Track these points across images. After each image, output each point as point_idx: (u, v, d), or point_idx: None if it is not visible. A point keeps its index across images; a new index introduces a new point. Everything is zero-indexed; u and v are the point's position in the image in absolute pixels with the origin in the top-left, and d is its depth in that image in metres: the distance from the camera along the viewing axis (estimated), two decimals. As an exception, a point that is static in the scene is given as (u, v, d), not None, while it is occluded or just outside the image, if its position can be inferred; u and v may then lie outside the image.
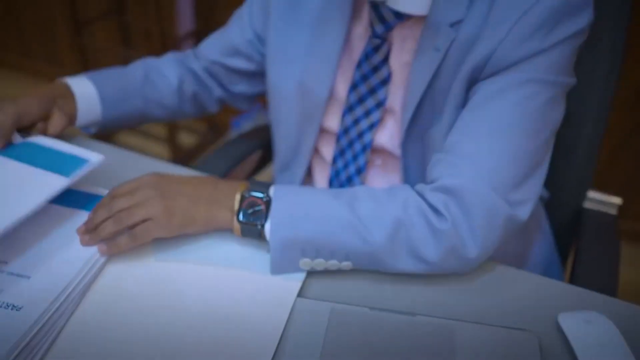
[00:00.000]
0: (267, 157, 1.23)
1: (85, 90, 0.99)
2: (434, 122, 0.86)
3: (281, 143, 1.04)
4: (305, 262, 0.76)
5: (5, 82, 2.95)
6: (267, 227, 0.76)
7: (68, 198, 0.84)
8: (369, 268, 0.77)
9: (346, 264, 0.76)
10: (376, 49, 0.87)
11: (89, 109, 1.00)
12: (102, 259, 0.77)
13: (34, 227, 0.78)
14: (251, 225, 0.76)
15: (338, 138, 0.96)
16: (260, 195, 0.77)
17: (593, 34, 1.05)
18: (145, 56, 2.54)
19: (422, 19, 0.83)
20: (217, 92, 1.11)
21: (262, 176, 1.25)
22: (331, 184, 1.00)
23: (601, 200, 1.14)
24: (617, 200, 1.14)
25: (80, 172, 0.82)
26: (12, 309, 0.68)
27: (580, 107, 1.09)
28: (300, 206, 0.76)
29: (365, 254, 0.75)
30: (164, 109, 1.09)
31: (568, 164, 1.13)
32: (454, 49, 0.81)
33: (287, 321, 0.72)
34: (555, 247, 1.11)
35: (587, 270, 0.96)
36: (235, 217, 0.77)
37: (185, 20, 2.36)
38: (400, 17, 0.83)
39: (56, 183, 0.79)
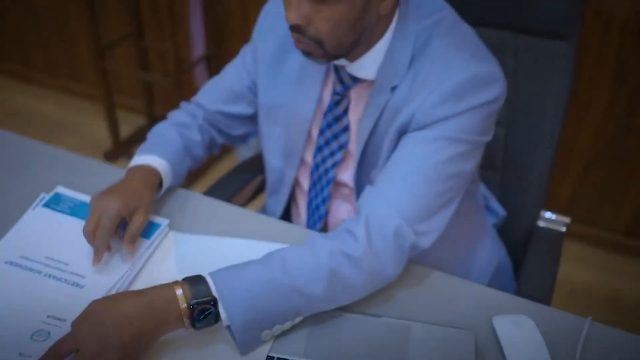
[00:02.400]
0: (265, 182, 1.40)
1: (167, 176, 1.09)
2: (375, 164, 1.02)
3: (269, 174, 1.20)
4: (266, 334, 0.85)
5: (33, 97, 3.12)
6: (223, 317, 0.82)
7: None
8: (316, 312, 0.89)
9: (298, 319, 0.88)
10: (337, 103, 1.04)
11: (166, 185, 1.10)
12: (137, 269, 0.96)
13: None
14: (207, 326, 0.83)
15: (312, 172, 1.12)
16: (205, 298, 0.81)
17: (540, 67, 1.21)
18: (161, 77, 2.69)
19: (372, 82, 1.00)
20: (219, 139, 1.23)
21: (260, 199, 1.44)
22: (308, 208, 1.16)
23: (552, 219, 1.30)
24: (566, 219, 1.30)
25: (157, 234, 1.02)
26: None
27: (532, 139, 1.25)
28: (245, 291, 0.83)
29: (311, 306, 0.87)
30: (197, 161, 1.19)
31: (523, 188, 1.29)
32: (389, 108, 0.97)
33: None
34: (509, 259, 1.28)
35: (527, 280, 1.13)
36: (188, 324, 0.81)
37: (198, 45, 2.51)
38: (356, 79, 1.00)
39: (142, 245, 1.00)
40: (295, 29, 0.90)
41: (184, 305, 0.81)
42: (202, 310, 0.82)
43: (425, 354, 0.87)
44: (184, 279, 0.84)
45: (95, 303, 0.80)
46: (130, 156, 2.66)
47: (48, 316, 0.87)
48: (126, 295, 0.82)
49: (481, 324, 0.92)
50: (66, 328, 0.82)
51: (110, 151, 2.70)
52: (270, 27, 1.10)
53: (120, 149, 2.72)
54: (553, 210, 1.31)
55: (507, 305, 0.96)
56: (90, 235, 0.94)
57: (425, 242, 0.94)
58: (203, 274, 0.85)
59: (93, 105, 3.02)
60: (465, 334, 0.90)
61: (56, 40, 2.97)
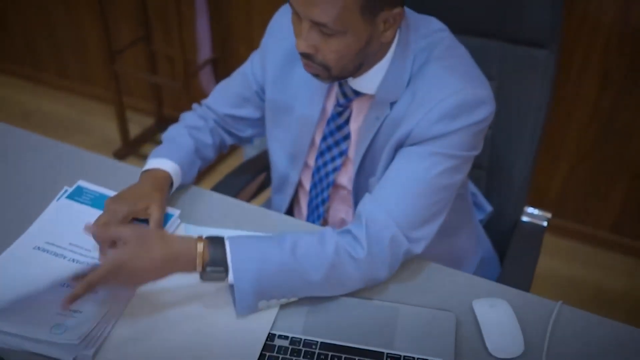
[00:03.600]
0: (268, 179, 1.47)
1: (177, 177, 1.17)
2: (373, 172, 1.11)
3: (275, 174, 1.29)
4: (263, 304, 0.96)
5: (45, 99, 3.20)
6: (230, 281, 0.94)
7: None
8: (311, 296, 1.00)
9: (293, 298, 0.99)
10: (339, 114, 1.12)
11: (176, 185, 1.18)
12: None
13: None
14: (214, 281, 0.96)
15: (313, 174, 1.21)
16: (219, 268, 0.94)
17: (524, 73, 1.29)
18: (169, 80, 2.72)
19: (373, 96, 1.08)
20: (229, 140, 1.31)
21: (263, 194, 1.53)
22: (309, 207, 1.25)
23: (535, 214, 1.40)
24: (547, 214, 1.40)
25: (170, 222, 1.12)
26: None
27: (516, 140, 1.35)
28: (255, 266, 0.94)
29: (307, 290, 0.98)
30: (206, 162, 1.28)
31: (508, 186, 1.39)
32: (387, 122, 1.06)
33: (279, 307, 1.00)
34: (494, 251, 1.38)
35: (509, 269, 1.23)
36: (199, 274, 0.95)
37: (204, 48, 2.58)
38: (357, 93, 1.09)
39: None
40: (304, 55, 0.98)
41: (199, 260, 0.94)
42: (214, 272, 0.95)
43: (411, 332, 0.97)
44: (206, 237, 0.96)
45: (131, 244, 0.92)
46: (139, 155, 2.76)
47: None
48: (156, 241, 0.93)
49: (462, 307, 1.02)
50: (89, 306, 0.94)
51: (120, 150, 2.79)
52: (279, 38, 1.16)
53: (130, 148, 2.82)
54: (541, 207, 1.40)
55: (487, 291, 1.06)
56: (96, 233, 1.03)
57: (418, 248, 1.03)
58: (224, 238, 0.96)
59: (103, 106, 3.10)
60: (447, 315, 1.00)
61: (68, 44, 3.05)
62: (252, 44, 2.31)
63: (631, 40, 1.94)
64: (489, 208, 1.39)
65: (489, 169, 1.41)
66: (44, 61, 3.21)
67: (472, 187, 1.39)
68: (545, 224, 1.40)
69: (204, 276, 0.95)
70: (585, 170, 2.24)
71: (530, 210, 1.41)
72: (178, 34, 2.37)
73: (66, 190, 1.18)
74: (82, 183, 1.20)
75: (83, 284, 0.88)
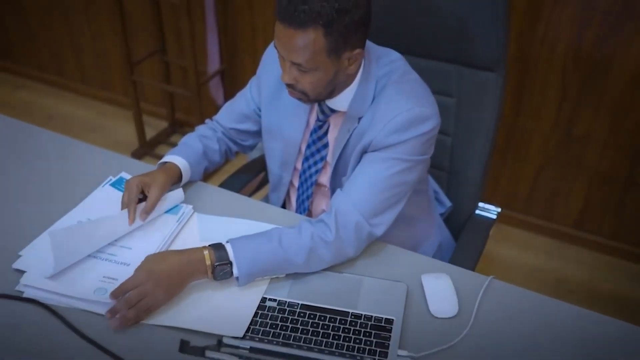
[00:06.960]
0: (266, 177, 1.69)
1: (186, 174, 1.41)
2: (344, 172, 1.35)
3: (271, 177, 1.54)
4: (258, 279, 1.20)
5: (69, 103, 3.40)
6: (235, 272, 1.17)
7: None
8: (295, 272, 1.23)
9: (282, 275, 1.22)
10: (320, 127, 1.37)
11: (185, 177, 1.41)
12: (171, 239, 1.31)
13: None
14: (224, 279, 1.18)
15: (300, 175, 1.46)
16: (224, 262, 1.15)
17: (477, 91, 1.50)
18: (182, 88, 2.92)
19: (345, 112, 1.32)
20: (234, 148, 1.55)
21: (262, 192, 1.76)
22: (297, 201, 1.50)
23: (486, 208, 1.65)
24: (497, 208, 1.64)
25: (181, 211, 1.36)
26: (124, 265, 1.26)
27: (471, 147, 1.58)
28: (251, 258, 1.16)
29: (293, 269, 1.21)
30: (213, 165, 1.52)
31: (464, 186, 1.63)
32: (355, 132, 1.30)
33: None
34: (452, 239, 1.62)
35: (459, 252, 1.48)
36: (211, 277, 1.16)
37: (213, 60, 2.77)
38: (333, 110, 1.33)
39: (170, 220, 1.36)
40: (288, 85, 1.24)
41: (208, 263, 1.16)
42: (222, 268, 1.17)
43: (371, 297, 1.21)
44: (209, 245, 1.18)
45: (150, 257, 1.17)
46: (154, 155, 2.99)
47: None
48: (171, 253, 1.18)
49: (413, 279, 1.25)
50: (123, 276, 1.18)
51: (137, 150, 3.01)
52: (270, 66, 1.39)
53: (146, 149, 3.02)
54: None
55: (435, 268, 1.30)
56: (123, 205, 1.30)
57: (378, 231, 1.26)
58: (223, 243, 1.19)
59: (121, 110, 3.29)
60: (400, 285, 1.24)
61: (90, 54, 3.25)
62: (256, 57, 2.46)
63: (584, 60, 2.15)
64: (448, 203, 1.64)
65: (449, 171, 1.66)
66: (67, 69, 3.40)
67: (435, 186, 1.64)
68: (494, 216, 1.64)
69: (215, 275, 1.16)
70: (549, 174, 2.43)
71: (482, 205, 1.65)
72: (190, 47, 2.56)
73: (110, 179, 1.44)
74: (124, 174, 1.45)
75: (120, 287, 1.13)
